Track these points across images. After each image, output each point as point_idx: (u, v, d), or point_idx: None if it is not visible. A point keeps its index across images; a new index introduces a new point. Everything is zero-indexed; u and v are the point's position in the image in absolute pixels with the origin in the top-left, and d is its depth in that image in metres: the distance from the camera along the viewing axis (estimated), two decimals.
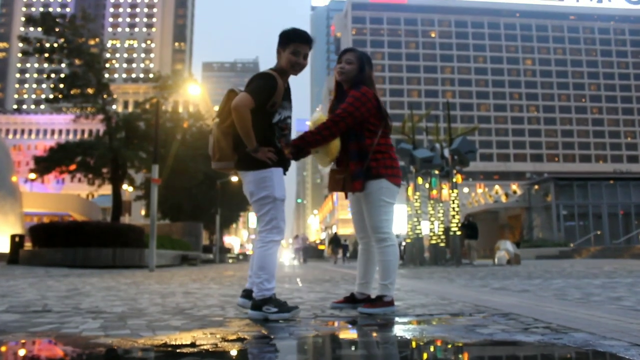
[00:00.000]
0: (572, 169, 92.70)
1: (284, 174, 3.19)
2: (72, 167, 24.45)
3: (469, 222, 19.14)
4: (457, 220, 17.74)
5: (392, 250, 3.31)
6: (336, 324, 2.95)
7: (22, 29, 65.12)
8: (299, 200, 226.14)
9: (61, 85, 24.37)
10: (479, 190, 72.40)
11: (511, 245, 19.09)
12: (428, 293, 4.96)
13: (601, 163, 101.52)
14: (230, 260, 38.45)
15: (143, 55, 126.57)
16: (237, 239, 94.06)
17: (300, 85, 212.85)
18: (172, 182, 26.75)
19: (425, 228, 19.07)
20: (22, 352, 2.25)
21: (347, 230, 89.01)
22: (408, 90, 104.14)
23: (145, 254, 14.49)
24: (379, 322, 2.94)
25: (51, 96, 25.20)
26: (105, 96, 24.07)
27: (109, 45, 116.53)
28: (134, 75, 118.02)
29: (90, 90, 23.45)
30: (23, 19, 25.94)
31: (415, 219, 18.55)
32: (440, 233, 18.22)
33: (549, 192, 43.74)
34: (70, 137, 78.63)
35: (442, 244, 18.17)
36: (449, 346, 2.26)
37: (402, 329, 2.74)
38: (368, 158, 3.29)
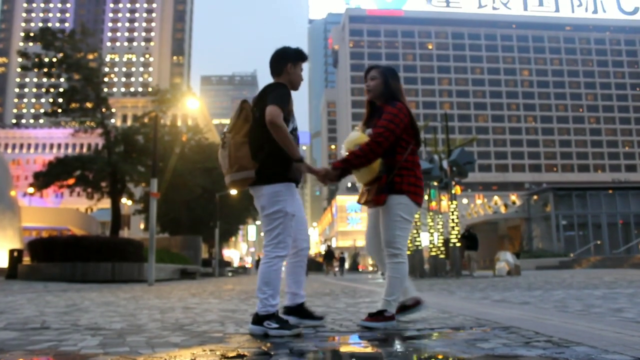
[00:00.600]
0: (571, 178, 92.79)
1: (297, 187, 3.19)
2: (71, 181, 24.45)
3: (469, 233, 19.12)
4: (456, 232, 17.72)
5: (402, 267, 3.31)
6: (337, 339, 2.94)
7: (21, 44, 65.39)
8: None
9: (60, 100, 24.44)
10: (478, 201, 72.50)
11: (511, 256, 19.07)
12: (428, 306, 4.93)
13: (599, 172, 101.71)
14: (229, 274, 38.26)
15: (142, 69, 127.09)
16: (236, 252, 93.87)
17: (298, 98, 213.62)
18: (171, 195, 26.74)
19: (424, 240, 19.04)
20: None
21: (346, 242, 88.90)
22: None
23: (145, 268, 14.44)
24: (380, 336, 2.92)
25: (50, 110, 25.27)
26: (103, 110, 24.15)
27: (107, 59, 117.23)
28: (132, 89, 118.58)
29: (89, 105, 23.54)
30: (22, 34, 26.09)
31: (415, 231, 18.51)
32: (440, 244, 18.18)
33: (548, 203, 43.72)
34: (69, 151, 78.76)
35: (442, 256, 18.11)
36: None
37: (403, 344, 2.72)
38: (393, 172, 3.30)
